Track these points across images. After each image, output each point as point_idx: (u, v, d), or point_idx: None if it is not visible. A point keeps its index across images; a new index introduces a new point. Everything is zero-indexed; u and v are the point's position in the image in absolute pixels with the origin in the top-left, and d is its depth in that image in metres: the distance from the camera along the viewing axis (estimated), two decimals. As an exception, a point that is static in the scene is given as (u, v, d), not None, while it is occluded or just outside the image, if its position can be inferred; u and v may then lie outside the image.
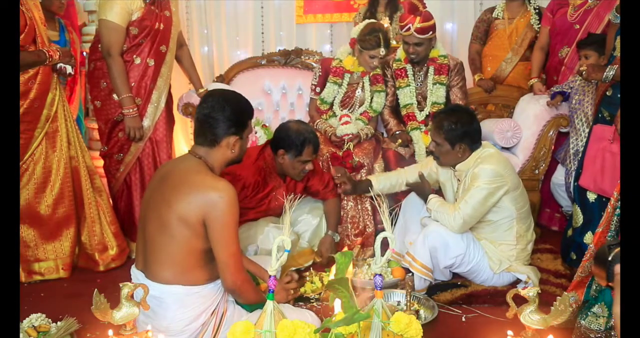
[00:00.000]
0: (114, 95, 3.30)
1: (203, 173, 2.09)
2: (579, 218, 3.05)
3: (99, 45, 3.31)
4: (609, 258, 1.88)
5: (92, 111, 4.04)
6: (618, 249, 1.89)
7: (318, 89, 3.83)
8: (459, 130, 2.84)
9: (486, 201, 2.78)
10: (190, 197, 2.01)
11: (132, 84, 3.31)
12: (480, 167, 2.79)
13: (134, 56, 3.31)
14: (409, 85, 3.80)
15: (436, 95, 3.78)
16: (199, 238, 2.05)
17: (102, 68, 3.34)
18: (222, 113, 2.12)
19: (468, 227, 2.84)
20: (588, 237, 2.99)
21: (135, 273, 2.20)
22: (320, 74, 3.83)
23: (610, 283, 1.92)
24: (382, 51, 3.58)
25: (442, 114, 2.97)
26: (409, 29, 3.58)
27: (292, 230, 3.22)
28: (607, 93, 2.93)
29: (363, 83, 3.82)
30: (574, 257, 3.06)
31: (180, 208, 2.02)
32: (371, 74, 3.81)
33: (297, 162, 3.08)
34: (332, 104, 3.84)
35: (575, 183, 3.11)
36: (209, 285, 2.13)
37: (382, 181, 3.26)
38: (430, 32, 3.62)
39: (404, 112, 3.82)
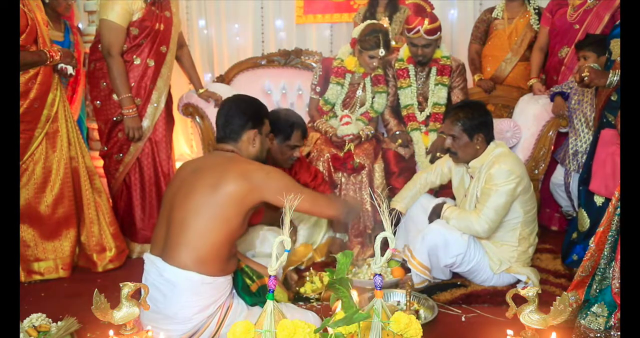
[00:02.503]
0: (114, 95, 3.32)
1: (243, 161, 2.27)
2: (586, 223, 3.01)
3: (99, 46, 3.33)
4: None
5: (92, 111, 4.03)
6: None
7: (318, 89, 3.84)
8: (476, 119, 2.86)
9: (507, 203, 2.80)
10: (240, 180, 2.16)
11: (132, 84, 3.33)
12: (496, 168, 2.79)
13: (134, 56, 3.33)
14: (410, 86, 3.80)
15: (438, 96, 3.78)
16: (239, 217, 2.18)
17: (102, 68, 3.36)
18: (238, 109, 2.35)
19: (493, 231, 2.86)
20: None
21: (151, 258, 2.24)
22: (321, 73, 3.84)
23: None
24: (381, 52, 3.59)
25: (456, 108, 2.99)
26: (418, 31, 3.58)
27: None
28: (612, 98, 2.92)
29: (364, 84, 3.82)
30: (576, 258, 3.06)
31: (231, 189, 2.15)
32: (372, 74, 3.81)
33: (285, 147, 3.09)
34: (334, 105, 3.84)
35: (581, 188, 3.09)
36: (220, 278, 2.20)
37: (406, 200, 3.22)
38: (438, 33, 3.63)
39: (404, 113, 3.82)
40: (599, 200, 2.95)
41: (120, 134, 3.39)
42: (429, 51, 3.68)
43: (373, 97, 3.83)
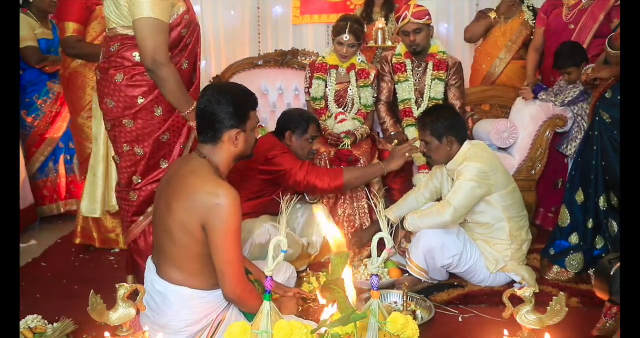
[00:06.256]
0: (157, 110, 2.57)
1: (204, 177, 2.00)
2: (566, 219, 3.08)
3: (133, 53, 2.52)
4: (611, 273, 1.88)
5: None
6: (619, 264, 1.88)
7: (311, 91, 3.88)
8: (442, 123, 2.90)
9: (474, 191, 2.80)
10: (189, 204, 1.96)
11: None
12: (465, 164, 2.83)
13: (183, 60, 2.63)
14: (408, 80, 3.80)
15: (435, 90, 3.77)
16: (199, 245, 1.99)
17: (141, 80, 2.55)
18: (219, 107, 2.04)
19: (459, 216, 2.84)
20: (574, 238, 3.05)
21: (149, 265, 2.18)
22: (310, 75, 3.90)
23: (612, 298, 1.91)
24: (345, 37, 3.66)
25: (423, 114, 3.13)
26: (406, 16, 3.61)
27: (299, 238, 3.22)
28: (607, 95, 2.93)
29: (352, 80, 3.86)
30: (552, 252, 3.11)
31: (180, 215, 1.98)
32: (357, 69, 3.84)
33: (304, 141, 3.20)
34: (326, 102, 3.86)
35: (568, 185, 3.14)
36: (215, 292, 2.07)
37: (400, 210, 3.18)
38: (427, 18, 3.65)
39: (401, 107, 3.82)
40: (579, 199, 3.03)
41: (164, 161, 2.63)
42: (420, 38, 3.67)
43: (359, 93, 3.86)
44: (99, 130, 3.31)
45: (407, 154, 3.15)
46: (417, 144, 3.29)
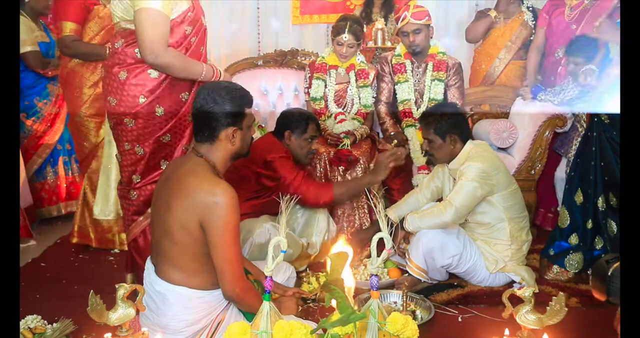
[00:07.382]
0: (157, 109, 2.52)
1: (201, 176, 2.01)
2: (566, 220, 3.09)
3: (136, 49, 2.46)
4: (609, 274, 1.87)
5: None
6: (617, 264, 1.87)
7: (310, 91, 3.89)
8: (445, 121, 2.91)
9: (475, 191, 2.80)
10: (188, 202, 1.97)
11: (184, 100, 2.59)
12: (467, 164, 2.84)
13: None
14: (407, 81, 3.81)
15: (434, 91, 3.78)
16: (198, 244, 2.00)
17: (144, 79, 2.52)
18: (214, 105, 2.06)
19: (460, 216, 2.84)
20: (573, 238, 3.05)
21: (148, 265, 2.18)
22: (310, 75, 3.91)
23: (609, 298, 1.90)
24: (345, 37, 3.67)
25: (426, 112, 3.14)
26: (405, 16, 3.62)
27: (298, 238, 3.22)
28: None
29: (351, 80, 3.86)
30: (552, 253, 3.11)
31: (180, 214, 1.98)
32: (356, 69, 3.84)
33: (303, 141, 3.22)
34: (325, 102, 3.86)
35: (566, 186, 3.14)
36: (215, 292, 2.08)
37: (400, 210, 3.18)
38: (426, 18, 3.67)
39: (400, 108, 3.83)
40: (578, 200, 3.03)
41: (165, 162, 2.59)
42: (420, 38, 3.69)
43: (359, 93, 3.86)
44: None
45: (390, 164, 3.08)
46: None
